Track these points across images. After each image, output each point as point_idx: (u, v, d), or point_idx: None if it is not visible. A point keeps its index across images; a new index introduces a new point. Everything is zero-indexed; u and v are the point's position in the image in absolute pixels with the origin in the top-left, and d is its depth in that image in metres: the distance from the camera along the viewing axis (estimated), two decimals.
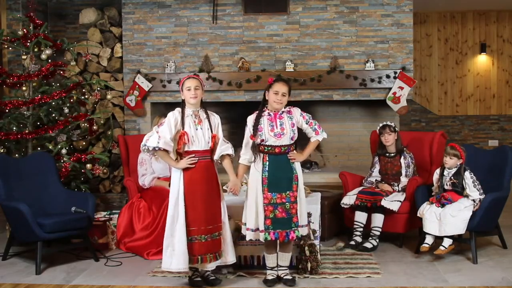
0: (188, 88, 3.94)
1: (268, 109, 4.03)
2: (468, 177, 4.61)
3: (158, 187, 5.17)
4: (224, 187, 4.24)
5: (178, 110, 3.99)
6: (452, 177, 4.66)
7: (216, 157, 4.03)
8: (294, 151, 3.99)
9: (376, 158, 5.36)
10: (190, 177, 3.92)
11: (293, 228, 3.90)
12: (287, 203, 3.90)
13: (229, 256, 4.06)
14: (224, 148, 4.04)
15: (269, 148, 3.95)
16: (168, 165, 5.10)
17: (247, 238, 4.00)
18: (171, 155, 4.00)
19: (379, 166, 5.32)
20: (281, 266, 4.10)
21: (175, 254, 3.88)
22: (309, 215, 4.28)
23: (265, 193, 3.92)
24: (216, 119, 4.08)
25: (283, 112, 4.01)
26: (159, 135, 3.89)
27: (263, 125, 3.96)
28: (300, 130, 4.06)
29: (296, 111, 4.05)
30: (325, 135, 4.09)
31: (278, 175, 3.93)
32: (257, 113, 4.03)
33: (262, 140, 3.96)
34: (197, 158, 3.91)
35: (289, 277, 4.06)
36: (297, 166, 4.00)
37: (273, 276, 4.08)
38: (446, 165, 4.69)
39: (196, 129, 3.94)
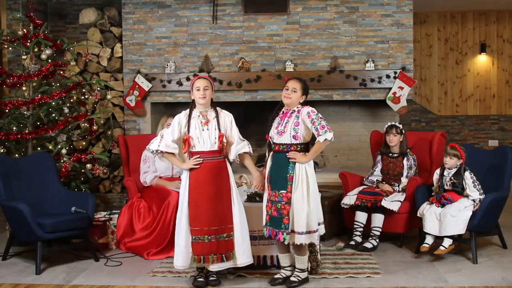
0: (198, 88, 3.95)
1: (284, 108, 4.03)
2: (468, 177, 4.61)
3: (158, 186, 5.17)
4: (243, 182, 4.19)
5: (185, 112, 4.01)
6: (452, 177, 4.66)
7: (232, 157, 4.02)
8: (296, 151, 3.89)
9: (379, 157, 5.36)
10: (195, 177, 3.92)
11: (282, 230, 3.84)
12: (279, 203, 3.87)
13: (240, 258, 3.98)
14: (240, 147, 4.02)
15: (273, 145, 3.98)
16: (171, 165, 5.14)
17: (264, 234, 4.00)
18: (177, 156, 4.04)
19: (381, 166, 5.32)
20: (295, 268, 4.06)
21: (179, 252, 3.95)
22: None
23: (269, 190, 3.95)
24: (227, 117, 4.04)
25: (293, 111, 3.97)
26: (161, 138, 3.96)
27: (274, 123, 4.00)
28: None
29: (305, 110, 3.90)
30: (329, 136, 3.77)
31: (275, 173, 3.93)
32: (274, 112, 4.05)
33: (271, 138, 3.99)
34: (202, 159, 3.92)
35: (293, 278, 4.02)
36: (299, 166, 3.87)
37: (282, 275, 4.05)
38: (446, 165, 4.69)
39: (202, 130, 3.94)
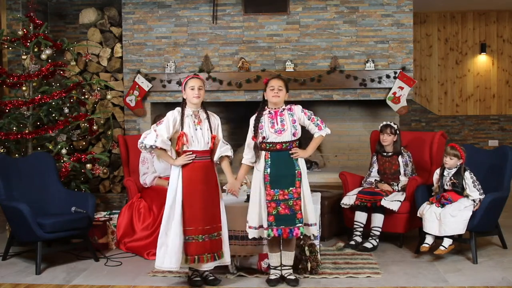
0: (192, 88, 3.95)
1: (269, 108, 4.05)
2: (468, 177, 4.61)
3: (158, 186, 5.17)
4: (224, 187, 4.24)
5: (177, 109, 3.99)
6: (452, 177, 4.65)
7: (215, 158, 4.04)
8: (297, 147, 3.98)
9: (374, 158, 5.36)
10: (189, 177, 3.92)
11: (297, 225, 3.89)
12: (290, 200, 3.90)
13: (227, 257, 4.06)
14: (224, 149, 4.05)
15: (271, 145, 3.97)
16: (170, 165, 5.14)
17: (250, 237, 3.99)
18: (169, 153, 4.01)
19: (377, 166, 5.32)
20: (284, 266, 4.08)
21: (167, 253, 3.88)
22: None
23: (267, 190, 3.94)
24: (216, 120, 4.09)
25: (284, 109, 4.02)
26: (156, 133, 3.90)
27: (264, 123, 3.99)
28: (303, 128, 4.07)
29: (297, 108, 4.05)
30: (328, 130, 4.08)
31: (281, 172, 3.93)
32: (257, 112, 4.05)
33: (264, 138, 3.97)
34: (194, 155, 3.92)
35: (292, 277, 4.04)
36: (301, 163, 3.99)
37: (276, 275, 4.06)
38: (446, 165, 4.69)
39: (196, 129, 3.94)
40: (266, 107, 4.06)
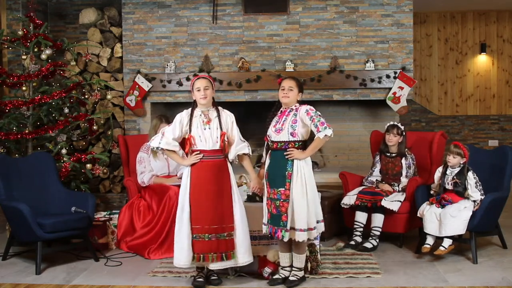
0: (198, 89, 3.97)
1: (282, 108, 4.06)
2: (471, 177, 4.59)
3: (156, 184, 5.18)
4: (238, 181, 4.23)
5: (186, 111, 4.04)
6: (455, 177, 4.64)
7: (231, 157, 4.04)
8: (294, 148, 3.90)
9: (377, 158, 5.35)
10: (197, 176, 3.94)
11: (280, 227, 3.85)
12: (277, 200, 3.88)
13: (241, 258, 4.00)
14: (240, 147, 4.04)
15: (272, 143, 3.99)
16: (166, 163, 5.18)
17: (263, 232, 4.03)
18: (179, 154, 4.06)
19: (380, 166, 5.32)
20: (293, 267, 4.07)
21: (180, 251, 3.94)
22: None
23: (267, 188, 3.97)
24: (229, 117, 4.07)
25: (291, 109, 4.00)
26: (162, 135, 4.00)
27: (272, 122, 4.03)
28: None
29: (303, 108, 3.94)
30: (328, 132, 3.79)
31: (274, 171, 3.94)
32: (271, 113, 4.08)
33: (268, 136, 4.02)
34: (202, 154, 3.93)
35: (292, 278, 4.02)
36: (298, 164, 3.88)
37: (280, 275, 4.05)
38: (449, 163, 4.67)
39: (204, 129, 3.96)
40: (281, 107, 4.08)
